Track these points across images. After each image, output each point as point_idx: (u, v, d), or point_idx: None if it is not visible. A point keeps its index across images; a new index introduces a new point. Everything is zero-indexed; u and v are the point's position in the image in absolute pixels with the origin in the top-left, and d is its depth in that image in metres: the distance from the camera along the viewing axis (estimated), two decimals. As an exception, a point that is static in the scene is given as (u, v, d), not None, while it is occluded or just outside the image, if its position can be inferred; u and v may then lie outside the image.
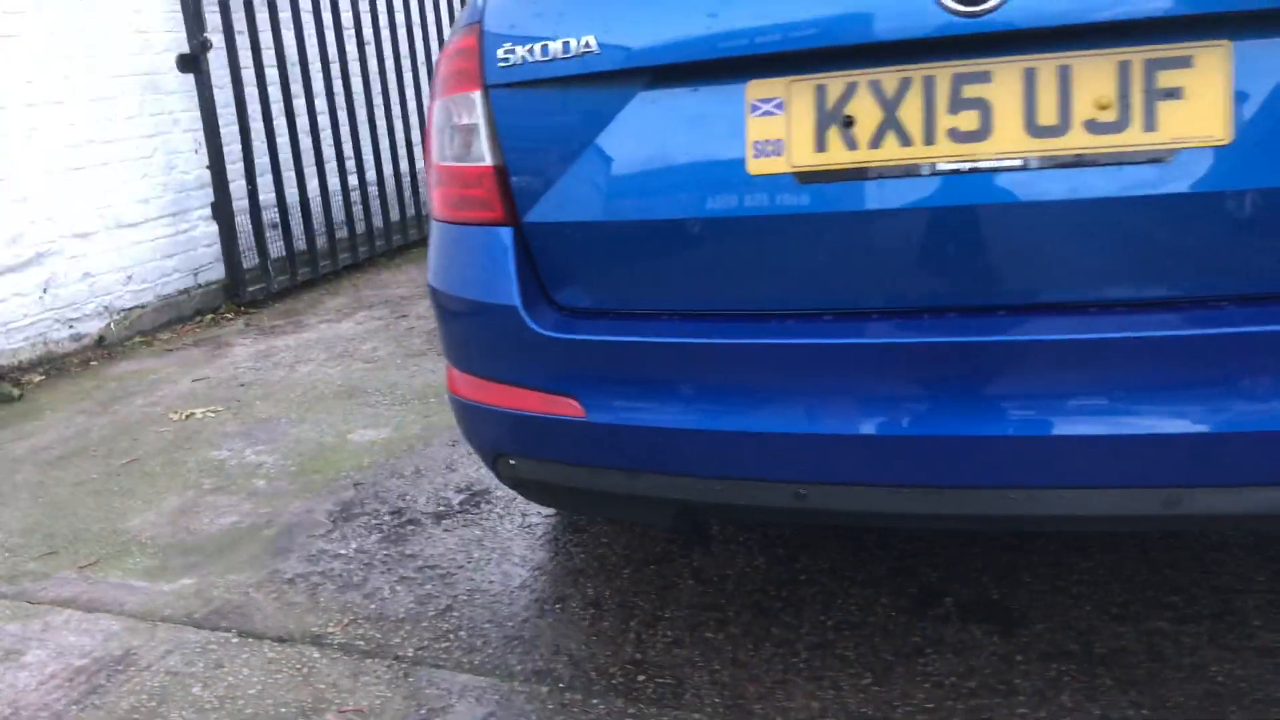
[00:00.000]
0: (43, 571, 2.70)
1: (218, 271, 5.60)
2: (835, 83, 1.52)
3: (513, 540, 2.63)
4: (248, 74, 5.44)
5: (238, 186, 5.52)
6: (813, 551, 2.42)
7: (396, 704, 2.00)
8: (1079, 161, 1.45)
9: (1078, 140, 1.44)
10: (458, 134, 1.77)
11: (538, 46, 1.64)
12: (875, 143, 1.51)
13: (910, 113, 1.49)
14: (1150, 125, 1.42)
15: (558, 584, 2.41)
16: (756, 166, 1.56)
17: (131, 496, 3.16)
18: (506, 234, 1.73)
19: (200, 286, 5.52)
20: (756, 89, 1.56)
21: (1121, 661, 1.94)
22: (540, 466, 1.78)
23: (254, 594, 2.48)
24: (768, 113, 1.55)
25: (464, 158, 1.76)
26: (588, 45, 1.61)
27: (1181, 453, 1.44)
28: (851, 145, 1.52)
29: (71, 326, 4.86)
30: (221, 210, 5.49)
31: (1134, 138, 1.43)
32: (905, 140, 1.49)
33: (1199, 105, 1.41)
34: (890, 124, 1.50)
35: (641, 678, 2.02)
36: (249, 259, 5.61)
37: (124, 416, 3.96)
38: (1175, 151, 1.42)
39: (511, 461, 1.81)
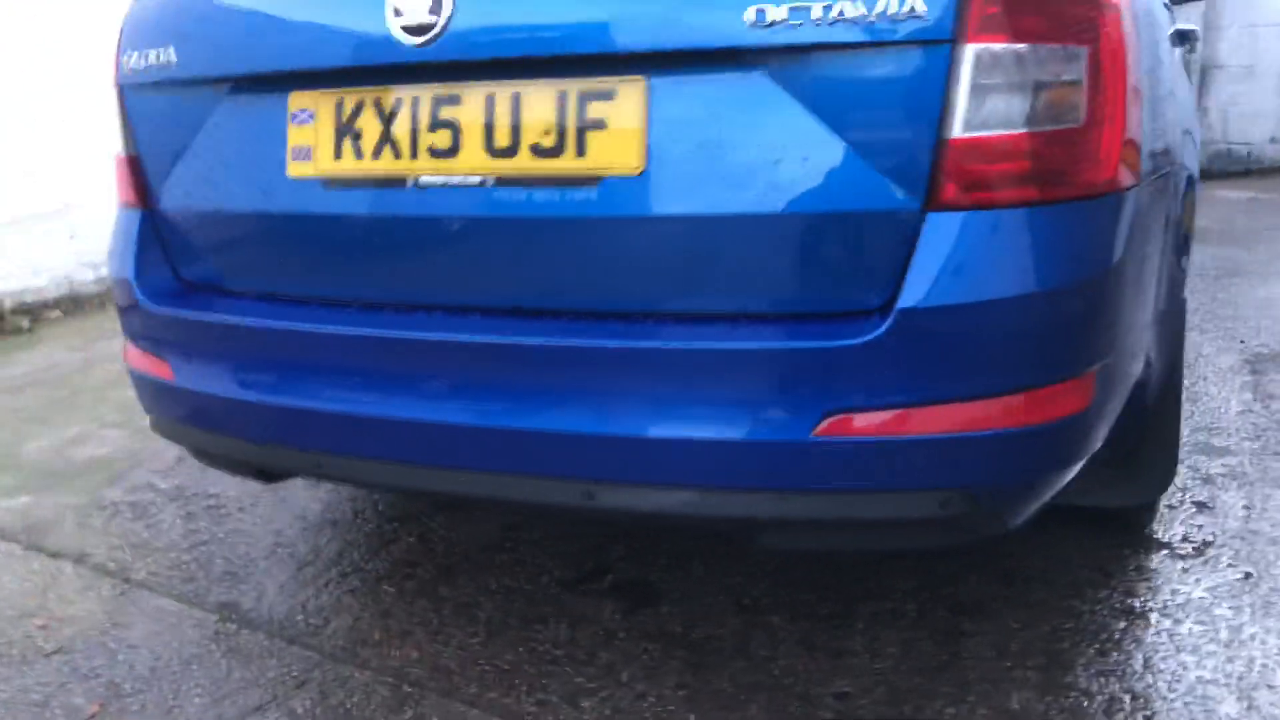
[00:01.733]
0: (-71, 481, 3.14)
1: (247, 227, 6.05)
2: (350, 98, 1.70)
3: (305, 491, 2.90)
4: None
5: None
6: (538, 526, 2.60)
7: (97, 617, 2.31)
8: (526, 182, 1.59)
9: (525, 163, 1.59)
10: (118, 126, 2.03)
11: (140, 54, 1.89)
12: (376, 154, 1.69)
13: (401, 129, 1.66)
14: (581, 152, 1.56)
15: (306, 532, 2.67)
16: (293, 169, 1.76)
17: (46, 424, 3.59)
18: (135, 216, 1.99)
19: (229, 240, 5.99)
20: (296, 100, 1.76)
21: (705, 647, 2.06)
22: (164, 423, 2.04)
23: (66, 515, 2.84)
24: (303, 121, 1.75)
25: (120, 148, 2.03)
26: (169, 56, 1.84)
27: (583, 450, 1.58)
28: (359, 155, 1.70)
29: (96, 270, 5.39)
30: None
31: (568, 163, 1.56)
32: (397, 154, 1.67)
33: (619, 135, 1.54)
34: (387, 139, 1.68)
35: (300, 618, 2.26)
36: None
37: (96, 354, 4.43)
38: (600, 178, 1.55)
39: (150, 417, 2.08)
